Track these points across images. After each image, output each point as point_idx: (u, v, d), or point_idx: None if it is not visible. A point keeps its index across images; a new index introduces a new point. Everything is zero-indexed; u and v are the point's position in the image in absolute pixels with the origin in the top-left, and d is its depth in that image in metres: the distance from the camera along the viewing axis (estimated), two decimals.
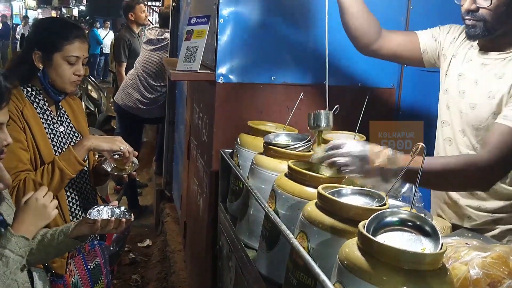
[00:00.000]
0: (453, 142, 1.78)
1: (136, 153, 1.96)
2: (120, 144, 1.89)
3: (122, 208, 1.70)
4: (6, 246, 1.42)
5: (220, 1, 2.15)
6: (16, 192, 1.72)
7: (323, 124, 1.62)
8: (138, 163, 1.97)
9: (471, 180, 1.55)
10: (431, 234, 1.05)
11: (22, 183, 1.73)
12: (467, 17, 1.64)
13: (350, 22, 1.91)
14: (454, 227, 1.75)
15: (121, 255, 3.39)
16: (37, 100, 1.88)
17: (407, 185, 1.98)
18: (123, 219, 1.64)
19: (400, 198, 1.91)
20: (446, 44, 1.85)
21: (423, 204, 1.99)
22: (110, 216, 1.66)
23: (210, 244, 2.38)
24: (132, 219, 1.68)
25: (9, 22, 18.46)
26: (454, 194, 1.82)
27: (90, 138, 1.91)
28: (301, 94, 2.06)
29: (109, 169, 1.94)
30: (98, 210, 1.67)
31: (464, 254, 1.09)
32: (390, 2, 2.32)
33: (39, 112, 1.87)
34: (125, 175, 1.94)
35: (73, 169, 1.82)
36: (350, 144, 1.44)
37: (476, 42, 1.74)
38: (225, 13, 2.16)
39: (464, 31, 1.74)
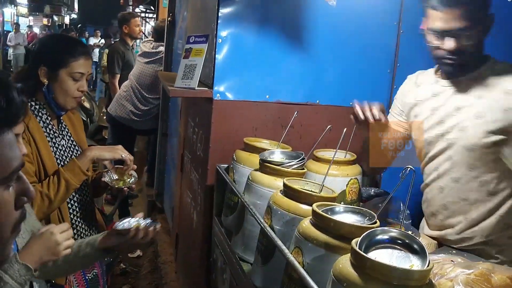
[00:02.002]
0: (435, 162, 1.84)
1: (135, 166, 2.03)
2: (121, 152, 1.97)
3: (148, 219, 1.71)
4: (7, 271, 1.38)
5: (219, 21, 2.23)
6: None
7: None
8: (137, 176, 2.03)
9: None
10: (419, 251, 1.12)
11: None
12: (446, 56, 1.70)
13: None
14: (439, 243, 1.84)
15: (115, 265, 3.44)
16: (40, 114, 1.93)
17: (396, 203, 2.08)
18: (151, 229, 1.67)
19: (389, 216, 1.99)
20: (407, 93, 1.96)
21: (411, 221, 2.07)
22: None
23: (204, 256, 2.43)
24: (158, 228, 1.71)
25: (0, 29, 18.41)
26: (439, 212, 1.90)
27: (92, 149, 1.98)
28: (295, 113, 2.14)
29: (109, 181, 2.00)
30: (126, 221, 1.68)
31: (449, 271, 1.16)
32: (381, 25, 2.42)
33: (43, 126, 1.93)
34: (125, 188, 2.00)
35: (78, 179, 1.89)
36: None
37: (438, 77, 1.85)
38: (223, 34, 2.24)
39: (419, 75, 1.90)
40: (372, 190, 2.26)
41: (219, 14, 2.23)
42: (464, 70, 1.75)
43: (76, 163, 1.89)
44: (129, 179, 2.02)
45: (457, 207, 1.81)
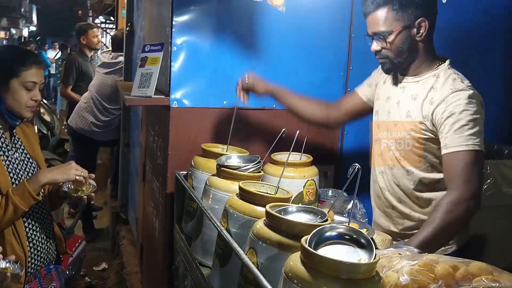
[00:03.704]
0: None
1: (93, 175, 1.99)
2: (74, 172, 1.89)
3: (18, 264, 1.63)
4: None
5: (173, 30, 2.25)
6: None
7: None
8: (96, 185, 2.01)
9: (458, 222, 1.73)
10: (366, 246, 1.17)
11: None
12: (377, 57, 1.90)
13: (303, 118, 2.21)
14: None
15: (77, 278, 3.38)
16: None
17: (352, 201, 2.13)
18: (8, 274, 1.59)
19: (346, 215, 2.04)
20: (379, 79, 2.08)
21: (367, 219, 2.13)
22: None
23: (167, 264, 2.43)
24: (21, 275, 1.65)
25: None
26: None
27: (45, 173, 1.90)
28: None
29: (68, 191, 1.96)
30: None
31: (396, 263, 1.21)
32: (333, 30, 2.48)
33: None
34: (84, 197, 1.97)
35: (27, 203, 1.83)
36: None
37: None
38: (178, 42, 2.26)
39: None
40: (330, 191, 2.31)
41: (173, 23, 2.25)
42: (397, 69, 1.90)
43: (26, 188, 1.82)
44: (88, 189, 1.99)
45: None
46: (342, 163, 2.57)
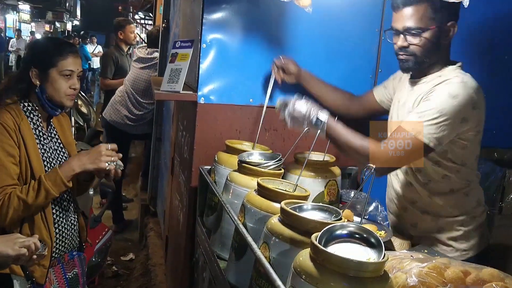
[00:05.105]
0: None
1: (120, 155, 2.00)
2: (105, 159, 1.92)
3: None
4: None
5: (203, 27, 2.30)
6: (1, 203, 1.81)
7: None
8: (122, 165, 2.02)
9: (355, 152, 1.84)
10: (376, 245, 1.18)
11: (7, 197, 1.82)
12: (400, 53, 1.87)
13: (326, 105, 2.20)
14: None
15: (103, 266, 3.48)
16: (31, 115, 1.98)
17: (374, 204, 2.13)
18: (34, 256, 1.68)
19: (367, 216, 2.04)
20: (396, 87, 2.09)
21: (388, 222, 2.12)
22: None
23: (188, 257, 2.48)
24: (45, 254, 1.75)
25: (2, 35, 18.55)
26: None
27: (76, 161, 1.93)
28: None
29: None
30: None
31: (406, 265, 1.21)
32: (363, 32, 2.47)
33: (33, 127, 1.97)
34: (112, 169, 1.96)
35: (58, 190, 1.89)
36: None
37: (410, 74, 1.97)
38: (207, 39, 2.30)
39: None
40: (352, 192, 2.31)
41: (204, 20, 2.29)
42: (417, 69, 1.88)
43: (58, 174, 1.88)
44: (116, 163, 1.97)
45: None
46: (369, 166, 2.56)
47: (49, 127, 2.07)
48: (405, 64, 1.88)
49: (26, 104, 1.98)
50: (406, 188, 1.97)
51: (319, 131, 1.84)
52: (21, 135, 1.89)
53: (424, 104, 1.75)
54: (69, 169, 1.91)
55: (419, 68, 1.88)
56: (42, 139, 2.00)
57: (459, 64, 1.88)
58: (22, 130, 1.90)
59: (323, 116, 1.88)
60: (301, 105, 1.90)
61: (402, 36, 1.84)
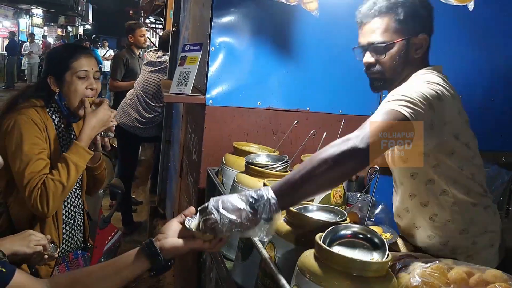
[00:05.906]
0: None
1: (108, 100, 2.07)
2: (112, 120, 2.01)
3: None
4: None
5: (212, 31, 2.33)
6: (39, 193, 1.85)
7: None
8: (112, 135, 2.07)
9: (335, 158, 1.31)
10: (380, 246, 1.19)
11: (42, 184, 1.86)
12: (368, 72, 1.74)
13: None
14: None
15: None
16: (54, 116, 2.04)
17: (380, 206, 2.13)
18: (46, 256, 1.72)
19: (374, 219, 2.05)
20: None
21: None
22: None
23: (196, 257, 2.50)
24: (56, 256, 1.79)
25: (15, 39, 18.78)
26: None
27: (87, 127, 1.95)
28: (295, 122, 2.20)
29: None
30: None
31: (410, 265, 1.22)
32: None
33: (56, 129, 2.02)
34: (113, 125, 2.02)
35: (84, 160, 1.94)
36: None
37: None
38: (216, 42, 2.34)
39: None
40: (359, 195, 2.32)
41: (213, 24, 2.33)
42: (388, 88, 1.72)
43: (79, 146, 1.93)
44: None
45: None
46: (374, 167, 2.57)
47: (69, 128, 2.12)
48: (375, 83, 1.74)
49: (50, 105, 2.03)
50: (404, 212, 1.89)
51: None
52: (47, 133, 1.96)
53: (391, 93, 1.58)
54: (85, 136, 1.95)
55: (390, 86, 1.70)
56: (61, 140, 2.06)
57: (434, 67, 1.71)
58: (48, 130, 1.97)
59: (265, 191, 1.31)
60: (234, 199, 1.31)
61: (368, 52, 1.70)
